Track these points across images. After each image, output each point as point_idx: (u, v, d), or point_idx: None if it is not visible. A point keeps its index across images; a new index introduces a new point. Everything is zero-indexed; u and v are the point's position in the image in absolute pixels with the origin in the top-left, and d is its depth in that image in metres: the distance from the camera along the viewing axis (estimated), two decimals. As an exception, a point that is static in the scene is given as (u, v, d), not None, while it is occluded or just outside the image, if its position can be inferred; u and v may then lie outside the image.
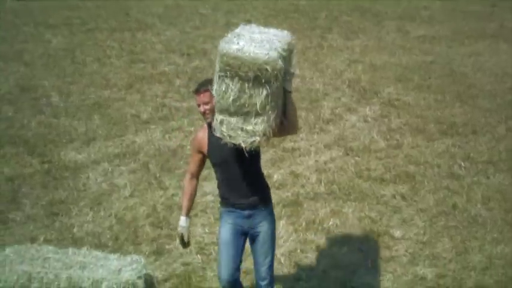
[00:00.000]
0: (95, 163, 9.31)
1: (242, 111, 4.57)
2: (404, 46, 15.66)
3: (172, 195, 8.44)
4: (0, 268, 5.36)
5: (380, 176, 8.98)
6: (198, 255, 7.16)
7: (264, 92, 4.47)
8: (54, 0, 19.65)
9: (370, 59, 14.39)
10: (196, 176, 5.65)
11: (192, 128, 10.42)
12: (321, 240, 7.48)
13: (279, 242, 7.31)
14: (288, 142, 9.98)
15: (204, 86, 5.07)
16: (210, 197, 8.33)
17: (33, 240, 7.24)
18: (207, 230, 7.65)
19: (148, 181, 8.80)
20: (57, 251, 5.66)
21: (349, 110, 11.38)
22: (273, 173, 9.00)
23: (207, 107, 5.05)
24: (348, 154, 9.71)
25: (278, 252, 7.10)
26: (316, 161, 9.47)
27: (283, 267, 6.99)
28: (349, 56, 14.58)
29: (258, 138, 4.61)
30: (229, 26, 13.72)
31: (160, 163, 9.30)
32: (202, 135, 5.33)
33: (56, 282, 5.22)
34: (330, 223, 7.80)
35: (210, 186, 8.49)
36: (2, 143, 9.90)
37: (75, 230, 7.65)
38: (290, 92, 4.85)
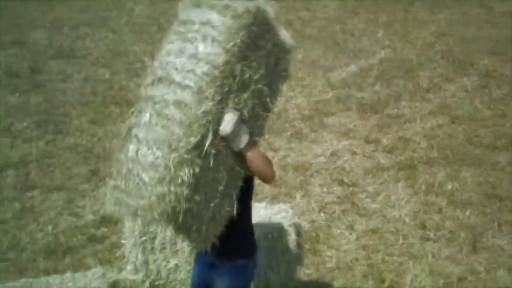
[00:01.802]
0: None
1: None
2: (491, 21, 15.35)
3: (284, 156, 8.37)
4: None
5: (492, 143, 8.84)
6: (322, 214, 7.07)
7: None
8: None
9: (459, 32, 14.12)
10: None
11: (292, 93, 10.35)
12: (443, 203, 7.37)
13: (400, 203, 7.24)
14: (391, 109, 9.89)
15: None
16: (322, 159, 8.31)
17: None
18: (325, 190, 7.58)
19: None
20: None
21: (447, 80, 11.21)
22: (381, 137, 8.92)
23: None
24: (453, 122, 9.56)
25: (402, 212, 7.04)
26: (423, 127, 9.34)
27: (408, 227, 6.89)
28: (437, 29, 14.33)
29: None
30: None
31: (268, 125, 9.18)
32: None
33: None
34: (449, 187, 7.68)
35: (319, 148, 8.45)
36: (106, 102, 9.93)
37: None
38: (242, 148, 3.49)
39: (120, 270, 5.81)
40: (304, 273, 5.98)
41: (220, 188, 3.46)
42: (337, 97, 10.23)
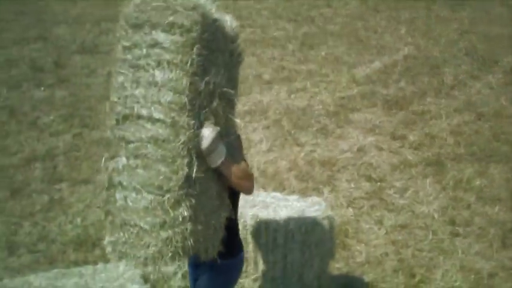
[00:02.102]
0: (228, 119, 9.28)
1: None
2: (514, 19, 15.29)
3: (311, 151, 8.36)
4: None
5: (519, 141, 8.78)
6: (350, 208, 7.05)
7: None
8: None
9: (482, 29, 14.06)
10: None
11: (317, 89, 10.33)
12: (471, 199, 7.33)
13: (429, 199, 7.21)
14: (416, 105, 9.86)
15: None
16: (348, 154, 8.29)
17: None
18: (352, 185, 7.56)
19: (284, 137, 8.74)
20: (236, 191, 5.59)
21: (472, 77, 11.19)
22: (407, 134, 8.89)
23: None
24: (479, 119, 9.52)
25: (430, 208, 7.02)
26: (449, 124, 9.31)
27: (437, 222, 6.86)
28: (459, 27, 14.31)
29: None
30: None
31: (293, 121, 9.23)
32: None
33: (242, 220, 5.16)
34: (478, 183, 7.64)
35: (345, 144, 8.44)
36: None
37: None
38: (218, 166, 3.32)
39: (152, 261, 5.80)
40: (334, 267, 5.96)
41: (215, 202, 3.38)
42: (362, 93, 10.20)
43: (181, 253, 3.15)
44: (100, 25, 13.89)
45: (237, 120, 3.56)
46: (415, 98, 10.04)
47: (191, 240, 3.14)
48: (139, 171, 3.12)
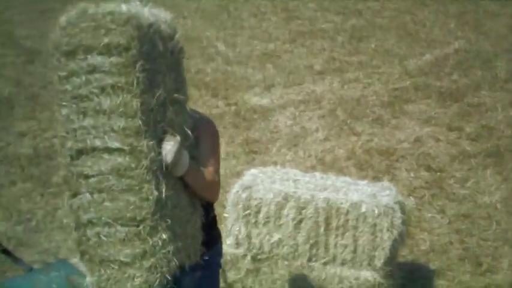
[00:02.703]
0: (281, 107, 9.30)
1: None
2: None
3: (367, 140, 8.32)
4: (254, 186, 5.32)
5: None
6: (411, 197, 7.01)
7: None
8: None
9: (535, 25, 13.90)
10: None
11: (370, 80, 10.29)
12: (535, 190, 7.23)
13: (490, 189, 7.15)
14: (471, 98, 9.77)
15: None
16: (406, 144, 8.25)
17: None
18: (412, 175, 7.52)
19: (339, 126, 8.71)
20: (305, 175, 5.59)
21: (527, 71, 11.02)
22: (463, 125, 8.81)
23: None
24: (538, 112, 9.39)
25: (492, 198, 6.96)
26: (505, 116, 9.19)
27: (500, 213, 6.80)
28: (509, 21, 14.11)
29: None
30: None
31: (347, 111, 9.19)
32: None
33: (314, 202, 5.15)
34: (540, 174, 7.55)
35: (402, 134, 8.40)
36: (184, 84, 9.97)
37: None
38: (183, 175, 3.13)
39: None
40: (399, 254, 5.93)
41: (188, 210, 3.21)
42: (415, 85, 10.12)
43: (168, 276, 3.01)
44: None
45: (194, 115, 3.30)
46: (469, 91, 9.94)
47: (175, 259, 3.01)
48: (107, 204, 2.91)
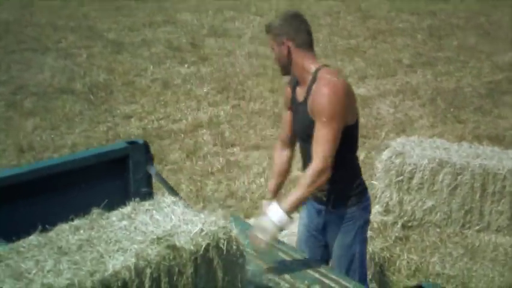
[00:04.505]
0: (381, 96, 9.30)
1: None
2: None
3: (474, 127, 8.28)
4: (407, 152, 5.29)
5: None
6: None
7: None
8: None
9: None
10: (288, 144, 3.81)
11: (461, 74, 10.28)
12: None
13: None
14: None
15: (268, 26, 3.51)
16: (513, 132, 8.17)
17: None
18: None
19: (443, 114, 8.69)
20: (452, 144, 5.57)
21: None
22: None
23: (274, 55, 3.52)
24: None
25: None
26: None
27: None
28: None
29: None
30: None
31: (447, 100, 9.17)
32: (289, 88, 3.65)
33: (470, 169, 5.12)
34: None
35: (507, 122, 8.38)
36: (277, 75, 9.98)
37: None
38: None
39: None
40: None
41: None
42: (509, 79, 10.09)
43: None
44: (223, 13, 14.04)
45: None
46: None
47: None
48: None
